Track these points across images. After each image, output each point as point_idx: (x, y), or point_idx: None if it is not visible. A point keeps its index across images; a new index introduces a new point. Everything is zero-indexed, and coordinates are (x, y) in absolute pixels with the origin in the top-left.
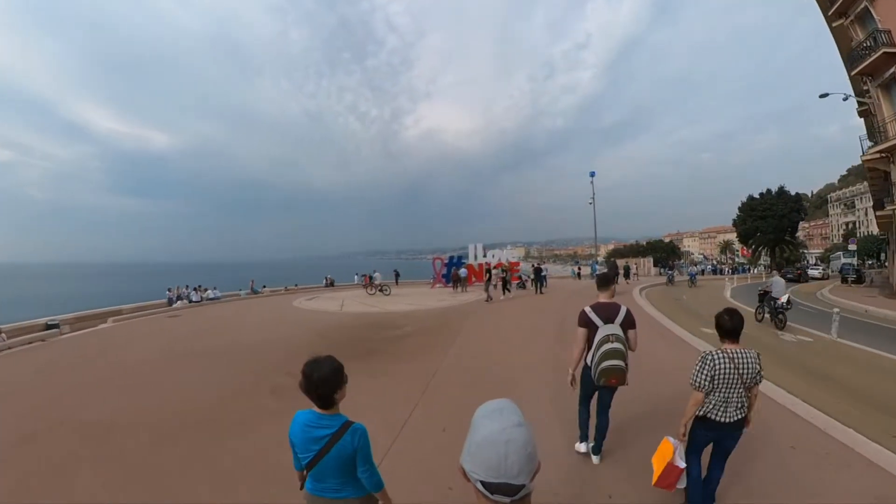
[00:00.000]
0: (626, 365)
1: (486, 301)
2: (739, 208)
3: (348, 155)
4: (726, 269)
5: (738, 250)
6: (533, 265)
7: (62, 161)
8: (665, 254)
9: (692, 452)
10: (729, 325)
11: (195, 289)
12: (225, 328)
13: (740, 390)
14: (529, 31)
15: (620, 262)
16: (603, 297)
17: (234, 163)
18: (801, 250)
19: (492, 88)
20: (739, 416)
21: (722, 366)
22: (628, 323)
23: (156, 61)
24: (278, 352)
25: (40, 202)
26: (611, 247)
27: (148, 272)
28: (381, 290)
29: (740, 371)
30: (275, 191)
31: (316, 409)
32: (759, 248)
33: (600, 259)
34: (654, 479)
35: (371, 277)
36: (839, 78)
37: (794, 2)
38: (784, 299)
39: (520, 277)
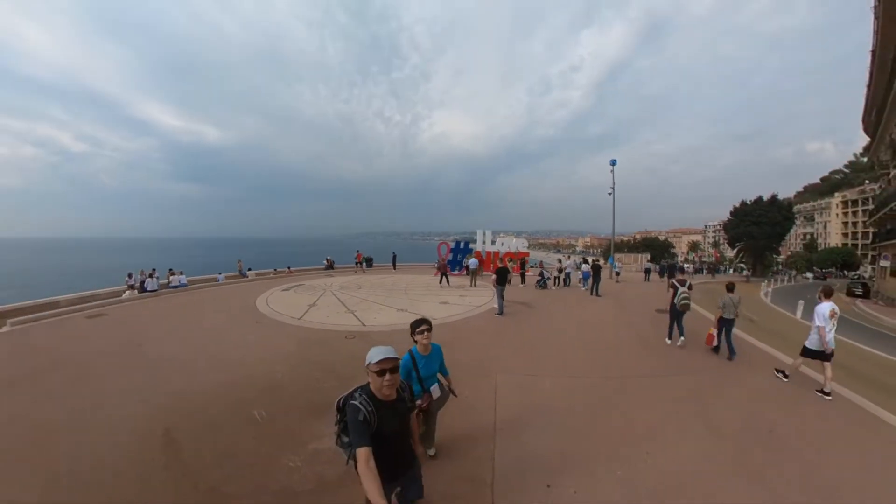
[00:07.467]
0: None
1: (499, 314)
2: (732, 213)
3: (372, 153)
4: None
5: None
6: (583, 260)
7: (128, 151)
8: (660, 251)
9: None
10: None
11: (151, 274)
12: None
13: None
14: (530, 52)
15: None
16: None
17: (276, 156)
18: (774, 256)
19: (494, 99)
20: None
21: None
22: None
23: (208, 66)
24: None
25: (108, 186)
26: (587, 240)
27: (191, 244)
28: None
29: None
30: (309, 180)
31: None
32: (743, 253)
33: (577, 250)
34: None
35: (366, 259)
36: (800, 107)
37: (768, 40)
38: None
39: (542, 275)
